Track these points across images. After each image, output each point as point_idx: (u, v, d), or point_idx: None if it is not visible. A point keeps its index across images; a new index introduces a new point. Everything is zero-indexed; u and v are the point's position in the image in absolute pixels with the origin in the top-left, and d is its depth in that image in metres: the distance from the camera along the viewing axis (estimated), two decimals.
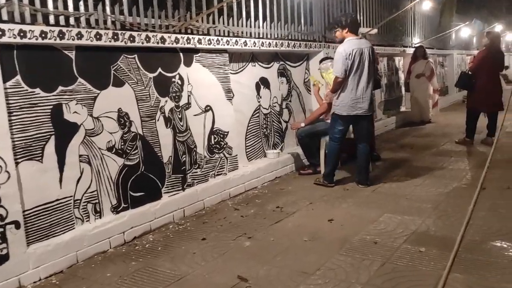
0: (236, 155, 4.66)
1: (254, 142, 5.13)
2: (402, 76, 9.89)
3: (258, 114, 5.19)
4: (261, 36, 5.10)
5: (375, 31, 7.65)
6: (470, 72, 6.67)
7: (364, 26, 7.69)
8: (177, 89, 3.94)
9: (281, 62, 5.64)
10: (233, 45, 4.47)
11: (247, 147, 5.01)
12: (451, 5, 11.57)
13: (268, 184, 4.94)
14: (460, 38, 14.10)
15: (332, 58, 5.55)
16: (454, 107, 12.19)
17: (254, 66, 5.15)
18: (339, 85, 4.43)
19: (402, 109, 9.95)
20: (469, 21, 12.62)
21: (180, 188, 3.96)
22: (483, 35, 7.13)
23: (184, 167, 4.01)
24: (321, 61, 5.46)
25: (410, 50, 9.62)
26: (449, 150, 6.37)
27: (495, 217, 3.52)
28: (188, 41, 3.93)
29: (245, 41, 4.64)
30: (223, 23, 4.53)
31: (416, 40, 10.48)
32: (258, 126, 5.20)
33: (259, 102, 5.21)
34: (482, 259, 2.80)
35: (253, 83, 5.12)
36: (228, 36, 4.51)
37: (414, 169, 5.32)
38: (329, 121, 5.18)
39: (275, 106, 5.50)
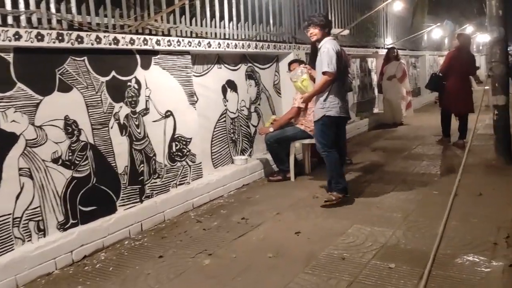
0: (201, 162, 4.41)
1: (221, 148, 4.89)
2: (375, 77, 9.83)
3: (224, 119, 4.96)
4: (227, 37, 4.87)
5: (346, 32, 7.53)
6: (440, 74, 6.69)
7: (336, 27, 7.54)
8: (133, 94, 3.66)
9: (249, 64, 5.42)
10: (196, 47, 4.23)
11: (213, 154, 4.76)
12: (423, 6, 11.61)
13: (235, 192, 4.71)
14: (432, 39, 14.20)
15: (300, 61, 5.39)
16: (427, 108, 12.24)
17: (220, 68, 4.91)
18: (329, 84, 3.97)
19: (375, 110, 9.89)
20: (441, 22, 12.69)
21: (138, 200, 3.69)
22: (454, 37, 7.12)
23: (142, 177, 3.74)
24: (289, 64, 5.26)
25: (383, 51, 9.56)
26: (421, 153, 6.29)
27: (467, 227, 3.38)
28: (145, 42, 3.66)
29: (209, 42, 4.39)
30: (185, 23, 4.27)
31: (389, 41, 10.45)
32: (225, 131, 4.96)
33: (225, 106, 4.97)
34: (454, 275, 2.65)
35: (219, 86, 4.89)
36: (191, 37, 4.25)
37: (386, 174, 5.18)
38: (299, 126, 5.00)
39: (243, 110, 5.28)
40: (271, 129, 5.03)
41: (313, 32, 4.11)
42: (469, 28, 16.11)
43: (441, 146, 6.69)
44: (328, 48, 3.96)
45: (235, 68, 5.16)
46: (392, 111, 9.13)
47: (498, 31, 5.10)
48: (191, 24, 4.34)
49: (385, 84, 9.05)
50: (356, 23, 8.50)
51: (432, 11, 13.41)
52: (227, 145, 4.99)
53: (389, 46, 9.64)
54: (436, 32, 13.86)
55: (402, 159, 5.97)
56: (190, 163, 4.27)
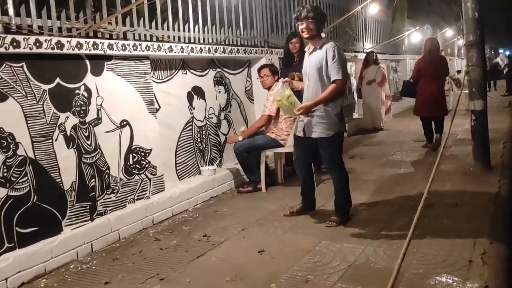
0: (162, 175, 4.13)
1: (187, 159, 4.62)
2: (354, 82, 9.65)
3: (191, 127, 4.68)
4: (192, 41, 4.61)
5: (323, 35, 7.30)
6: (411, 80, 6.79)
7: None
8: (82, 103, 3.37)
9: (218, 70, 5.16)
10: (155, 51, 3.95)
11: (178, 165, 4.48)
12: (402, 10, 11.52)
13: (201, 205, 4.44)
14: (412, 43, 14.14)
15: (271, 65, 5.12)
16: (408, 113, 12.07)
17: (185, 74, 4.64)
18: (338, 94, 3.47)
19: (355, 116, 9.72)
20: (420, 26, 12.62)
21: (88, 218, 3.39)
22: (427, 42, 7.02)
23: (93, 193, 3.44)
24: (259, 70, 4.99)
25: (362, 56, 9.40)
26: (399, 160, 6.09)
27: (441, 242, 3.16)
28: (95, 46, 3.38)
29: (170, 46, 4.12)
30: (144, 26, 4.00)
31: (368, 45, 10.31)
32: (191, 141, 4.69)
33: (192, 113, 4.70)
34: None
35: (184, 93, 4.62)
36: (150, 40, 3.98)
37: (362, 183, 4.96)
38: (269, 134, 4.76)
39: (211, 118, 5.01)
40: (241, 138, 4.78)
41: (309, 27, 3.46)
42: (449, 32, 16.14)
43: (421, 152, 6.52)
44: (338, 52, 3.45)
45: (203, 73, 4.90)
46: (372, 116, 8.96)
47: (474, 34, 4.93)
48: (150, 27, 4.07)
49: (365, 88, 8.88)
50: (334, 27, 8.34)
51: (412, 15, 13.36)
52: (193, 155, 4.71)
53: (368, 50, 9.49)
54: (417, 36, 13.81)
55: (380, 166, 5.76)
56: (150, 175, 3.98)
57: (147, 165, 3.95)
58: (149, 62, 4.00)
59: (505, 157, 5.79)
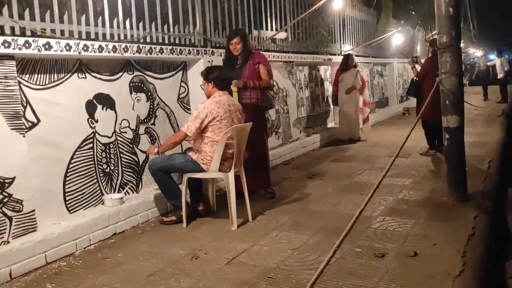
0: (33, 210, 3.18)
1: (83, 185, 3.68)
2: (329, 87, 8.72)
3: (91, 145, 3.75)
4: (93, 37, 3.68)
5: (283, 34, 6.40)
6: (416, 79, 6.31)
7: (272, 29, 6.42)
8: None
9: (137, 73, 4.23)
10: (23, 48, 3.01)
11: (68, 194, 3.54)
12: (387, 10, 10.59)
13: (96, 247, 3.50)
14: (401, 45, 13.20)
15: (215, 67, 4.12)
16: (393, 120, 11.22)
17: (84, 78, 3.71)
18: None
19: (330, 124, 8.79)
20: (402, 27, 11.67)
21: None
22: (432, 42, 6.42)
23: None
24: (206, 75, 3.90)
25: (339, 59, 8.48)
26: (364, 182, 5.16)
27: None
28: None
29: (48, 42, 3.18)
30: (11, 16, 3.07)
31: (347, 48, 9.38)
32: (92, 162, 3.75)
33: (93, 128, 3.76)
34: None
35: (81, 102, 3.68)
36: (13, 35, 3.04)
37: (307, 216, 4.03)
38: (191, 154, 3.82)
39: (125, 132, 4.08)
40: (156, 150, 3.84)
41: None
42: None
43: (392, 172, 5.56)
44: None
45: (112, 78, 3.96)
46: (349, 125, 8.00)
47: (448, 35, 4.01)
48: (23, 18, 3.13)
49: (342, 95, 7.92)
50: (305, 26, 7.42)
51: (399, 15, 12.43)
52: (94, 180, 3.77)
53: (346, 53, 8.55)
54: (399, 37, 12.88)
55: (339, 191, 4.83)
56: (11, 213, 3.04)
57: (5, 200, 3.00)
58: (14, 63, 3.06)
59: (488, 181, 4.87)
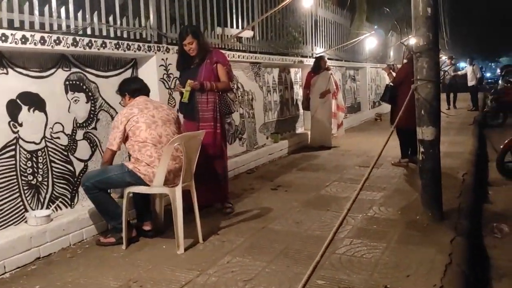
0: None
1: (1, 200, 3.10)
2: (300, 91, 8.30)
3: (13, 153, 3.18)
4: (17, 25, 3.11)
5: (249, 33, 5.93)
6: (392, 84, 5.99)
7: (238, 27, 5.95)
8: None
9: (75, 70, 3.67)
10: None
11: None
12: (361, 12, 10.28)
13: (11, 275, 2.93)
14: (374, 50, 12.96)
15: (127, 80, 3.66)
16: (364, 126, 10.94)
17: (5, 73, 3.14)
18: None
19: (300, 130, 8.38)
20: (375, 30, 11.40)
21: None
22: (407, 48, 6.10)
23: None
24: (119, 90, 3.60)
25: (310, 61, 8.08)
26: (332, 196, 4.75)
27: None
28: None
29: None
30: None
31: (319, 50, 9.00)
32: (13, 172, 3.18)
33: (16, 132, 3.19)
34: None
35: (0, 101, 3.10)
36: None
37: (267, 236, 3.56)
38: (128, 164, 3.30)
39: (57, 138, 3.52)
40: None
41: None
42: (412, 40, 15.05)
43: (364, 185, 5.17)
44: None
45: (42, 74, 3.40)
46: (321, 132, 7.56)
47: (425, 38, 3.63)
48: None
49: (315, 100, 7.47)
50: (274, 26, 6.98)
51: (374, 18, 12.19)
52: (16, 194, 3.20)
53: (318, 55, 8.15)
54: (379, 42, 12.65)
55: (304, 206, 4.39)
56: None
57: None
58: None
59: (463, 197, 4.54)
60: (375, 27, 13.05)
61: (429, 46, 3.62)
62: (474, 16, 26.87)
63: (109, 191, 3.49)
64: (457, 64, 17.35)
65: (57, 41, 3.27)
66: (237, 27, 5.92)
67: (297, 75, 8.28)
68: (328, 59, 9.38)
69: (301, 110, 8.24)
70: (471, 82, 14.15)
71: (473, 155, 6.89)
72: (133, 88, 3.46)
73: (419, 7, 3.60)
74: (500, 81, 12.08)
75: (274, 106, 7.31)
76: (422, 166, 3.80)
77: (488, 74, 35.31)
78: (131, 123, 3.21)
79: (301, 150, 7.55)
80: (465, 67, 15.35)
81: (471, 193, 4.84)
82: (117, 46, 3.81)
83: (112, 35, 3.89)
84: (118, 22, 3.96)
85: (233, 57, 5.66)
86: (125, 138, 3.26)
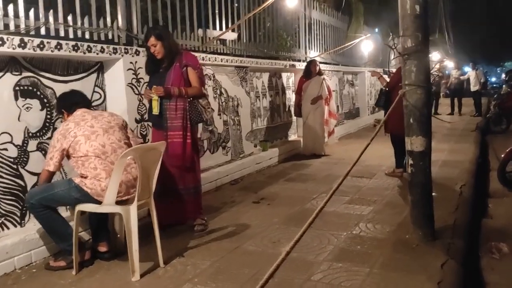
0: None
1: None
2: (292, 96, 7.95)
3: None
4: None
5: (232, 35, 5.59)
6: (386, 88, 5.61)
7: (222, 28, 5.61)
8: None
9: (27, 74, 3.34)
10: None
11: None
12: (358, 15, 9.93)
13: None
14: (374, 54, 12.60)
15: (61, 95, 3.33)
16: (362, 133, 10.55)
17: None
18: None
19: (293, 137, 8.02)
20: (371, 33, 11.02)
21: None
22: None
23: None
24: (56, 108, 3.37)
25: (304, 65, 7.72)
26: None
27: None
28: None
29: None
30: None
31: (313, 54, 8.65)
32: None
33: None
34: None
35: None
36: None
37: (237, 259, 3.20)
38: (75, 179, 2.94)
39: (4, 149, 3.17)
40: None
41: None
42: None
43: (352, 196, 4.81)
44: None
45: None
46: (314, 140, 7.21)
47: (414, 38, 3.26)
48: None
49: (307, 106, 7.12)
50: (264, 28, 6.64)
51: (372, 21, 11.82)
52: None
53: (310, 59, 7.79)
54: (378, 46, 12.28)
55: (285, 222, 4.03)
56: None
57: None
58: None
59: (459, 212, 4.16)
60: (376, 30, 12.70)
61: (418, 47, 3.26)
62: (476, 20, 26.43)
63: (67, 208, 3.17)
64: (463, 69, 16.92)
65: (0, 42, 2.93)
66: (221, 28, 5.58)
67: (290, 80, 7.93)
68: (324, 63, 9.08)
69: (294, 117, 7.88)
70: (474, 87, 13.75)
71: (474, 164, 6.50)
72: (69, 103, 3.14)
73: (407, 5, 3.24)
74: (504, 86, 11.64)
75: (264, 113, 6.96)
76: (412, 181, 3.42)
77: (493, 79, 34.77)
78: (69, 139, 2.89)
79: (293, 158, 7.19)
80: (467, 72, 14.93)
81: (469, 207, 4.46)
82: (75, 47, 3.47)
83: (71, 35, 3.55)
84: (79, 22, 3.62)
85: (215, 60, 5.33)
86: (67, 156, 2.93)
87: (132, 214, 2.83)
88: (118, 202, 2.88)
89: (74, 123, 2.94)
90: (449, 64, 18.10)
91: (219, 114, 5.54)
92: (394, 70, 6.67)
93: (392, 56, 14.75)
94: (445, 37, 19.02)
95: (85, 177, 2.86)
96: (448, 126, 10.96)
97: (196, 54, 4.97)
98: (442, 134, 9.33)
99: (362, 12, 9.93)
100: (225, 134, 5.70)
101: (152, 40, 3.49)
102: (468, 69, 17.07)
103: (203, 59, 5.08)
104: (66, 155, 2.95)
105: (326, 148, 7.31)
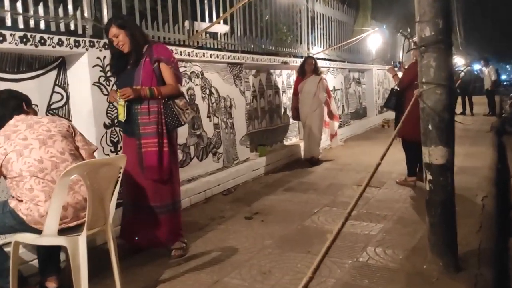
0: None
1: None
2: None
3: None
4: None
5: (223, 28, 4.98)
6: (397, 88, 5.04)
7: (212, 20, 5.01)
8: None
9: None
10: None
11: None
12: (365, 10, 9.28)
13: None
14: (382, 50, 11.93)
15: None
16: (370, 134, 9.92)
17: None
18: None
19: (294, 140, 7.40)
20: (380, 28, 10.34)
21: None
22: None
23: None
24: None
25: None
26: (318, 229, 3.77)
27: None
28: None
29: None
30: None
31: (317, 49, 8.02)
32: None
33: None
34: None
35: None
36: None
37: None
38: (11, 201, 2.36)
39: None
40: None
41: None
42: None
43: (361, 209, 4.19)
44: None
45: None
46: (310, 142, 6.53)
47: (433, 26, 2.64)
48: None
49: (304, 108, 6.39)
50: (261, 22, 6.04)
51: (380, 15, 11.16)
52: None
53: (307, 56, 7.14)
54: (386, 41, 11.63)
55: (279, 245, 3.43)
56: None
57: None
58: None
59: (484, 232, 3.53)
60: (384, 26, 12.04)
61: (438, 37, 2.64)
62: (487, 16, 25.62)
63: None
64: (471, 66, 16.17)
65: None
66: (211, 20, 4.98)
67: (290, 78, 7.30)
68: (328, 60, 8.46)
69: (291, 120, 7.24)
70: (487, 85, 13.07)
71: (493, 170, 5.84)
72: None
73: None
74: None
75: (261, 114, 6.36)
76: (430, 199, 2.81)
77: (503, 77, 33.91)
78: (0, 157, 2.30)
79: (294, 164, 6.58)
80: (479, 69, 14.23)
81: (494, 224, 3.83)
82: (24, 39, 2.89)
83: (21, 25, 2.98)
84: (32, 10, 3.05)
85: (204, 56, 4.74)
86: (4, 176, 2.36)
87: (81, 247, 2.25)
88: (64, 230, 2.30)
89: (4, 137, 2.36)
90: (460, 60, 17.36)
91: (209, 116, 4.95)
92: (405, 63, 6.02)
93: (403, 51, 14.12)
94: (456, 32, 18.28)
95: (21, 201, 2.28)
96: (460, 127, 10.28)
97: (182, 49, 4.44)
98: (456, 136, 8.66)
99: (369, 6, 9.27)
100: (216, 139, 5.10)
101: (114, 30, 2.93)
102: (478, 66, 16.36)
103: (189, 55, 4.51)
104: (2, 175, 2.37)
105: (329, 152, 6.68)
